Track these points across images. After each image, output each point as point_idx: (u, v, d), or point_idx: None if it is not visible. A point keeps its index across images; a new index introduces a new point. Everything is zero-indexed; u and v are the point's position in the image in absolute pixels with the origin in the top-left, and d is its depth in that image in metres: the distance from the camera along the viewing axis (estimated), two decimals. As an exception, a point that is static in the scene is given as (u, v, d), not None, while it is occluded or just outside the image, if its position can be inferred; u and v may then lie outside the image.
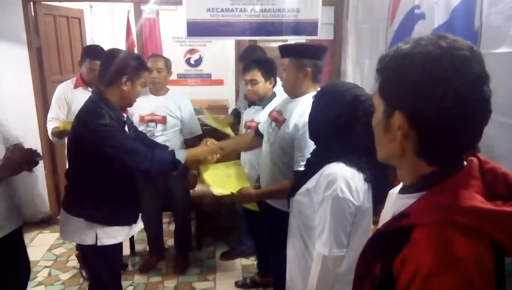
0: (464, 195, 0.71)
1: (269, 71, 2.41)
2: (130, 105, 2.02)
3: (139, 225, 2.15)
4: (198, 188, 3.15)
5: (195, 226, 3.35)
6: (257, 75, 2.40)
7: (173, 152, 1.98)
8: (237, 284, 2.90)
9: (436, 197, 0.73)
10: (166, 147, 2.25)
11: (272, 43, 4.53)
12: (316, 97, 1.45)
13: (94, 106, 1.89)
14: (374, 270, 0.77)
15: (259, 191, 2.04)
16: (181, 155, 1.97)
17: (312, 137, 1.48)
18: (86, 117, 1.87)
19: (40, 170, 3.66)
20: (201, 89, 5.56)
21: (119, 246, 2.06)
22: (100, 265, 2.02)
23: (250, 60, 2.53)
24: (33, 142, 3.53)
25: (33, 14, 3.44)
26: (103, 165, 1.83)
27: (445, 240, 0.67)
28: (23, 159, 1.95)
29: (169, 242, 3.39)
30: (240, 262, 3.20)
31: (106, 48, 4.22)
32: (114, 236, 1.97)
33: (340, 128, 1.32)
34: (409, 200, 0.78)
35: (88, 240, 1.92)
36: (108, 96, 1.90)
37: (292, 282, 1.55)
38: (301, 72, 1.90)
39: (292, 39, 3.74)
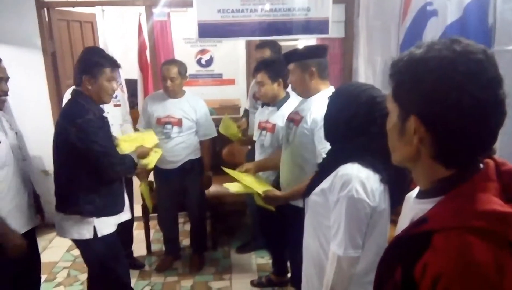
0: (482, 199, 0.71)
1: (276, 72, 2.39)
2: (106, 101, 2.10)
3: (127, 213, 2.25)
4: (212, 188, 3.18)
5: (210, 226, 3.38)
6: (264, 77, 2.40)
7: (130, 156, 2.16)
8: (252, 283, 2.93)
9: (454, 202, 0.73)
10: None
11: (282, 42, 4.55)
12: (331, 98, 1.45)
13: (77, 103, 2.00)
14: (395, 275, 0.77)
15: (285, 192, 2.05)
16: (133, 158, 2.19)
17: (327, 137, 1.49)
18: (72, 113, 1.97)
19: (57, 172, 3.73)
20: (213, 89, 5.59)
21: (115, 233, 2.16)
22: (103, 255, 2.11)
23: (257, 64, 2.54)
24: (49, 144, 3.61)
25: (47, 19, 3.50)
26: (92, 159, 1.95)
27: (465, 245, 0.67)
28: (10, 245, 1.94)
29: (185, 242, 3.43)
30: (256, 261, 3.23)
31: (118, 51, 4.30)
32: (110, 224, 2.10)
33: (356, 129, 1.32)
34: (426, 205, 0.78)
35: (87, 234, 2.02)
36: (85, 93, 2.01)
37: (307, 281, 1.56)
38: (307, 73, 1.97)
39: (302, 38, 3.75)
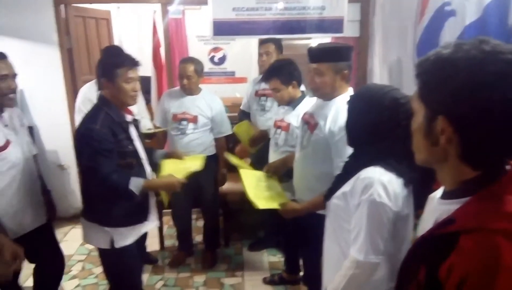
0: (510, 201, 0.71)
1: (288, 76, 2.36)
2: (128, 104, 1.98)
3: (152, 223, 2.14)
4: (226, 185, 3.20)
5: (222, 223, 3.40)
6: (277, 84, 2.37)
7: (129, 181, 1.88)
8: (265, 280, 2.94)
9: (482, 203, 0.73)
10: (155, 152, 2.31)
11: (296, 41, 4.55)
12: (352, 102, 1.42)
13: (94, 109, 1.94)
14: (418, 276, 0.77)
15: (304, 205, 1.94)
16: (137, 185, 1.89)
17: (350, 142, 1.45)
18: (82, 121, 1.94)
19: (72, 167, 3.78)
20: (225, 87, 5.61)
21: (134, 244, 2.05)
22: (117, 266, 2.05)
23: (267, 70, 2.51)
24: (65, 140, 3.67)
25: (64, 16, 3.55)
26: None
27: (492, 247, 0.66)
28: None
29: (197, 238, 3.46)
30: (268, 259, 3.24)
31: (132, 49, 4.33)
32: (128, 236, 2.00)
33: (380, 133, 1.30)
34: (452, 206, 0.78)
35: (105, 244, 1.96)
36: (107, 98, 1.94)
37: (327, 286, 1.54)
38: (339, 76, 1.87)
39: (317, 37, 3.74)
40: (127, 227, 1.99)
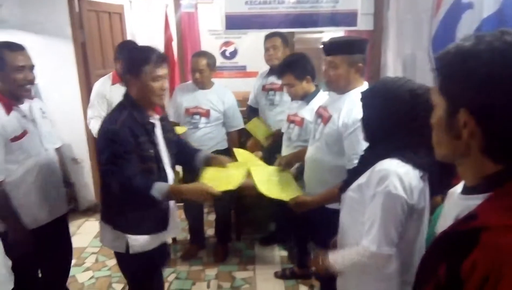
0: None
1: (301, 71, 2.35)
2: (154, 104, 1.84)
3: (172, 231, 2.03)
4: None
5: (234, 217, 3.41)
6: (291, 79, 2.36)
7: (151, 185, 1.73)
8: (276, 274, 2.95)
9: (505, 198, 0.72)
10: (195, 152, 2.13)
11: (308, 35, 4.51)
12: (368, 97, 1.40)
13: (117, 107, 1.84)
14: (438, 272, 0.76)
15: (315, 197, 1.90)
16: (161, 190, 1.73)
17: (367, 138, 1.43)
18: (104, 120, 1.85)
19: (86, 161, 3.82)
20: (236, 81, 5.59)
21: (152, 253, 1.91)
22: (133, 271, 1.96)
23: (280, 65, 2.49)
24: (79, 133, 3.70)
25: (77, 10, 3.57)
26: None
27: None
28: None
29: (209, 231, 3.48)
30: (279, 253, 3.25)
31: (145, 43, 4.34)
32: (145, 243, 1.86)
33: (399, 125, 1.28)
34: (474, 201, 0.77)
35: (120, 248, 1.86)
36: (133, 96, 1.81)
37: (344, 280, 1.53)
38: (353, 68, 1.87)
39: (330, 30, 3.71)
40: (143, 235, 1.86)
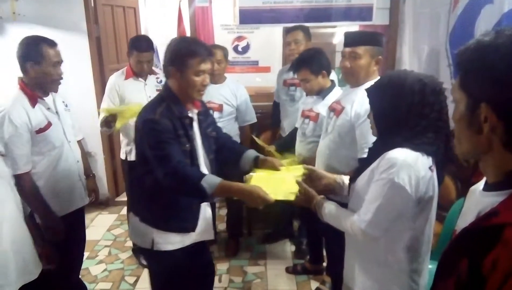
0: None
1: (318, 65, 2.34)
2: (193, 99, 1.78)
3: (203, 234, 1.92)
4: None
5: (245, 212, 3.41)
6: (307, 74, 2.35)
7: (202, 176, 1.63)
8: (287, 270, 2.94)
9: None
10: (239, 149, 2.01)
11: (321, 30, 4.47)
12: (377, 93, 1.38)
13: (155, 99, 1.80)
14: (459, 268, 0.76)
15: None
16: (210, 183, 1.61)
17: (380, 128, 1.41)
18: (143, 110, 1.77)
19: (99, 154, 3.86)
20: (248, 76, 5.58)
21: (177, 253, 1.84)
22: (158, 270, 1.92)
23: (296, 61, 2.46)
24: (92, 127, 3.73)
25: (92, 4, 3.59)
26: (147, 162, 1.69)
27: None
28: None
29: (220, 226, 3.48)
30: (290, 248, 3.24)
31: (159, 38, 4.35)
32: (171, 242, 1.81)
33: (411, 116, 1.28)
34: (496, 198, 0.77)
35: (145, 243, 1.82)
36: (172, 89, 1.76)
37: (350, 270, 1.54)
38: (374, 60, 1.92)
39: (344, 25, 3.67)
40: (169, 233, 1.81)
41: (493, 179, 0.81)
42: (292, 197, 1.60)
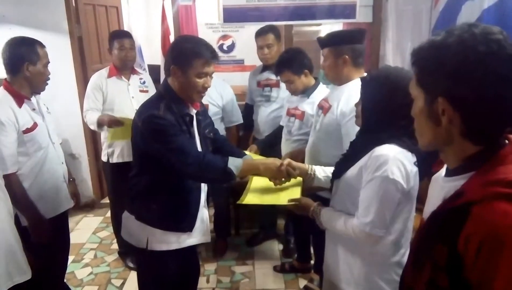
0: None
1: (299, 65, 2.35)
2: (192, 100, 1.74)
3: (199, 237, 1.89)
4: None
5: (233, 212, 3.39)
6: (290, 75, 2.36)
7: (226, 159, 1.66)
8: (275, 268, 2.94)
9: (488, 174, 0.77)
10: (238, 153, 1.98)
11: (306, 28, 4.47)
12: (370, 84, 1.39)
13: (155, 96, 1.77)
14: (434, 255, 0.80)
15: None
16: (236, 164, 1.65)
17: (369, 125, 1.41)
18: (142, 108, 1.73)
19: (83, 156, 3.80)
20: (234, 75, 5.56)
21: (171, 254, 1.81)
22: (149, 272, 1.88)
23: (277, 63, 2.44)
24: (76, 128, 3.67)
25: (74, 4, 3.53)
26: (154, 161, 1.66)
27: (503, 212, 0.70)
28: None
29: (208, 226, 3.46)
30: (278, 247, 3.24)
31: (142, 37, 4.29)
32: (166, 242, 1.78)
33: (402, 113, 1.24)
34: (458, 181, 0.83)
35: (139, 243, 1.79)
36: (172, 87, 1.72)
37: (333, 266, 1.54)
38: (340, 60, 1.91)
39: (328, 23, 3.68)
40: (164, 231, 1.77)
41: (454, 165, 0.87)
42: (289, 204, 1.65)
